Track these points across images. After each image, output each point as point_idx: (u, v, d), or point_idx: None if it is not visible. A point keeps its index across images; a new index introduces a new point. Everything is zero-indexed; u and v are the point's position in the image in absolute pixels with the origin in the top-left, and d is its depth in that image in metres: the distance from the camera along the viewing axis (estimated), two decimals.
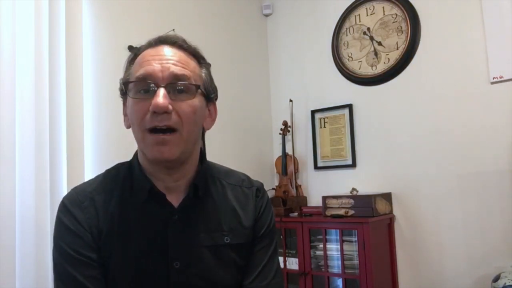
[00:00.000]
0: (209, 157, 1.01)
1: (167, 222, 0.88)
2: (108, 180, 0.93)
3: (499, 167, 2.05)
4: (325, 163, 2.65)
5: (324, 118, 2.66)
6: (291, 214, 2.47)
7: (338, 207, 2.23)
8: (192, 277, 0.87)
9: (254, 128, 2.78)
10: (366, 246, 2.07)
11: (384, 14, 2.45)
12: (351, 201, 2.20)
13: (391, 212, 2.35)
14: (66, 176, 1.64)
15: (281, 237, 2.36)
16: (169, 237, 0.87)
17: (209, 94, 0.92)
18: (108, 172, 0.96)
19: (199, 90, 0.87)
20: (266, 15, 2.98)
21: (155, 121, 0.82)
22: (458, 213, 2.16)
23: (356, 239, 2.12)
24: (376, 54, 2.46)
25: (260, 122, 2.85)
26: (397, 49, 2.38)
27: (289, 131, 2.70)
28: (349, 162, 2.54)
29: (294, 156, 2.69)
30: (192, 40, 0.93)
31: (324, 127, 2.66)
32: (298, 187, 2.65)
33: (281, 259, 2.33)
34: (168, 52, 0.86)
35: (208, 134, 1.02)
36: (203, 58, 0.93)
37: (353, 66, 2.54)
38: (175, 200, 0.90)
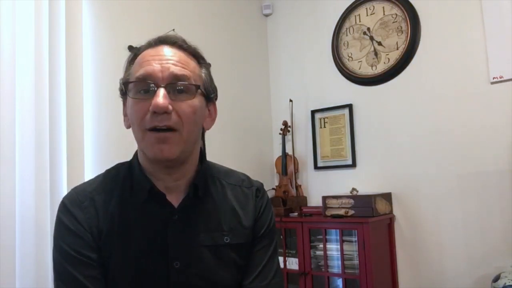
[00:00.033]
0: (209, 157, 1.01)
1: (167, 222, 0.88)
2: (108, 180, 0.93)
3: (499, 167, 2.05)
4: (325, 163, 2.65)
5: (324, 118, 2.66)
6: (291, 214, 2.47)
7: (338, 207, 2.23)
8: (192, 277, 0.87)
9: (254, 128, 2.78)
10: (366, 246, 2.07)
11: (384, 14, 2.45)
12: (351, 201, 2.20)
13: (391, 212, 2.35)
14: (66, 176, 1.64)
15: (281, 237, 2.36)
16: (169, 237, 0.87)
17: (209, 94, 0.92)
18: (108, 172, 0.96)
19: (199, 90, 0.87)
20: (266, 15, 2.98)
21: (155, 121, 0.82)
22: (458, 213, 2.16)
23: (356, 239, 2.12)
24: (376, 54, 2.46)
25: (260, 122, 2.85)
26: (397, 49, 2.38)
27: (289, 131, 2.70)
28: (349, 162, 2.54)
29: (294, 156, 2.69)
30: (192, 40, 0.93)
31: (324, 127, 2.66)
32: (298, 187, 2.65)
33: (281, 259, 2.33)
34: (168, 52, 0.86)
35: (208, 134, 1.02)
36: (203, 58, 0.93)
37: (353, 66, 2.54)
38: (175, 200, 0.90)
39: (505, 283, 1.76)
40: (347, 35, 2.59)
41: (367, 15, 2.51)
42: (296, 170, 2.69)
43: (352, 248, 2.16)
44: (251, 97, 2.79)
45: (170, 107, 0.82)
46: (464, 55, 2.18)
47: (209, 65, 0.96)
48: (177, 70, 0.84)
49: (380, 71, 2.43)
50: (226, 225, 0.93)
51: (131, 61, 0.91)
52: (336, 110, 2.60)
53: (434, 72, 2.27)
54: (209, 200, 0.94)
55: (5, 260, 1.42)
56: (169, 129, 0.83)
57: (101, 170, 0.97)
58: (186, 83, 0.85)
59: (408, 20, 2.33)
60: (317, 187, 2.66)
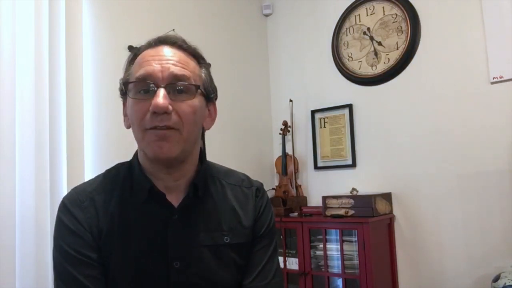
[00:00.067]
0: (209, 157, 1.01)
1: (167, 222, 0.88)
2: (108, 180, 0.93)
3: (499, 167, 2.05)
4: (325, 163, 2.65)
5: (324, 118, 2.66)
6: (291, 214, 2.47)
7: (338, 207, 2.23)
8: (192, 277, 0.87)
9: (254, 128, 2.78)
10: (366, 246, 2.07)
11: (384, 14, 2.45)
12: (351, 201, 2.20)
13: (391, 212, 2.35)
14: (66, 176, 1.64)
15: (281, 237, 2.36)
16: (169, 237, 0.87)
17: (209, 94, 0.92)
18: (108, 172, 0.96)
19: (199, 90, 0.87)
20: (266, 15, 2.98)
21: (155, 121, 0.82)
22: (458, 213, 2.16)
23: (356, 239, 2.12)
24: (376, 54, 2.46)
25: (260, 122, 2.85)
26: (397, 49, 2.38)
27: (289, 131, 2.70)
28: (349, 162, 2.54)
29: (294, 156, 2.69)
30: (192, 40, 0.93)
31: (324, 127, 2.66)
32: (298, 187, 2.65)
33: (281, 259, 2.33)
34: (167, 52, 0.86)
35: (208, 134, 1.03)
36: (203, 58, 0.93)
37: (353, 66, 2.55)
38: (175, 200, 0.90)
39: (505, 283, 1.76)
40: (347, 35, 2.59)
41: (367, 15, 2.51)
42: (296, 170, 2.69)
43: (352, 248, 2.16)
44: (251, 97, 2.79)
45: (170, 107, 0.82)
46: (464, 55, 2.18)
47: (209, 65, 0.96)
48: (177, 70, 0.84)
49: (380, 71, 2.43)
50: (226, 225, 0.93)
51: (131, 61, 0.91)
52: (336, 110, 2.60)
53: (434, 72, 2.27)
54: (209, 200, 0.94)
55: (5, 260, 1.42)
56: (169, 128, 0.83)
57: (101, 170, 0.97)
58: (186, 83, 0.85)
59: (408, 20, 2.33)
60: (317, 187, 2.66)
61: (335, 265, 2.22)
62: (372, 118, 2.47)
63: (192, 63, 0.89)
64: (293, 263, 2.35)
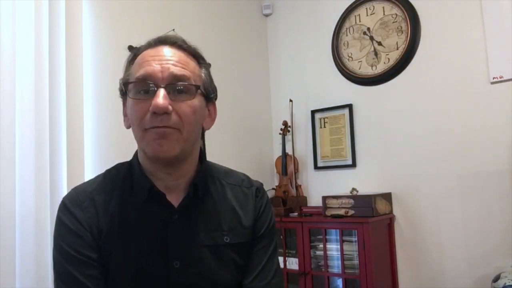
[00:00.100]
0: (209, 157, 1.01)
1: (167, 221, 0.88)
2: (108, 180, 0.93)
3: (499, 167, 2.05)
4: (325, 163, 2.65)
5: (324, 118, 2.66)
6: (291, 214, 2.47)
7: (338, 207, 2.23)
8: (192, 276, 0.87)
9: (254, 128, 2.78)
10: (366, 246, 2.07)
11: (384, 14, 2.45)
12: (351, 201, 2.20)
13: (391, 212, 2.35)
14: (66, 176, 1.64)
15: (281, 237, 2.36)
16: (169, 237, 0.87)
17: (209, 94, 0.92)
18: (108, 172, 0.96)
19: (199, 91, 0.87)
20: (266, 15, 2.98)
21: (155, 121, 0.82)
22: (458, 213, 2.16)
23: (356, 239, 2.12)
24: (376, 54, 2.46)
25: (260, 122, 2.85)
26: (397, 49, 2.38)
27: (289, 131, 2.70)
28: (349, 162, 2.54)
29: (294, 156, 2.69)
30: (192, 40, 0.93)
31: (324, 127, 2.66)
32: (298, 187, 2.65)
33: (281, 259, 2.33)
34: (167, 52, 0.86)
35: (208, 134, 1.03)
36: (203, 58, 0.93)
37: (353, 66, 2.55)
38: (175, 199, 0.90)
39: (505, 283, 1.76)
40: (347, 35, 2.59)
41: (367, 15, 2.51)
42: (296, 170, 2.69)
43: (352, 248, 2.16)
44: (251, 97, 2.79)
45: (170, 107, 0.82)
46: (464, 55, 2.18)
47: (209, 65, 0.96)
48: (177, 70, 0.84)
49: (380, 71, 2.43)
50: (226, 225, 0.93)
51: (130, 61, 0.91)
52: (336, 110, 2.60)
53: (434, 72, 2.27)
54: (209, 200, 0.94)
55: (5, 260, 1.42)
56: (170, 126, 0.83)
57: (101, 170, 0.97)
58: (186, 83, 0.85)
59: (408, 20, 2.33)
60: (317, 187, 2.66)
61: (335, 265, 2.22)
62: (372, 118, 2.47)
63: (192, 63, 0.89)
64: (293, 263, 2.35)
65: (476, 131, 2.12)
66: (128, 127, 0.91)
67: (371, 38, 2.48)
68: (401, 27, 2.37)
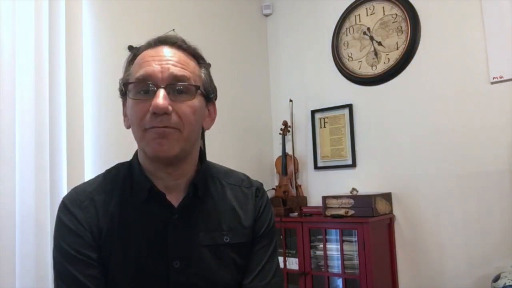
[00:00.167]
0: (209, 157, 1.01)
1: (167, 221, 0.88)
2: (108, 180, 0.93)
3: (499, 167, 2.05)
4: (325, 163, 2.65)
5: (324, 118, 2.66)
6: (291, 214, 2.47)
7: (338, 207, 2.23)
8: (192, 276, 0.87)
9: (254, 128, 2.78)
10: (366, 246, 2.07)
11: (384, 14, 2.45)
12: (351, 201, 2.20)
13: (391, 212, 2.35)
14: (66, 176, 1.64)
15: (281, 237, 2.36)
16: (169, 237, 0.87)
17: (209, 95, 0.92)
18: (108, 172, 0.96)
19: (198, 91, 0.87)
20: (266, 15, 2.98)
21: (155, 122, 0.82)
22: (458, 213, 2.16)
23: (356, 239, 2.12)
24: (376, 54, 2.46)
25: (260, 122, 2.85)
26: (397, 49, 2.38)
27: (289, 131, 2.70)
28: (349, 162, 2.54)
29: (294, 156, 2.69)
30: (192, 40, 0.93)
31: (324, 127, 2.66)
32: (298, 187, 2.65)
33: (281, 259, 2.33)
34: (167, 52, 0.86)
35: (208, 134, 1.03)
36: (203, 58, 0.93)
37: (353, 66, 2.55)
38: (174, 199, 0.90)
39: (505, 283, 1.76)
40: (347, 35, 2.59)
41: (367, 15, 2.51)
42: (296, 170, 2.69)
43: (352, 248, 2.16)
44: (251, 97, 2.79)
45: (170, 108, 0.82)
46: (464, 55, 2.18)
47: (209, 65, 0.96)
48: (176, 70, 0.84)
49: (380, 71, 2.44)
50: (226, 225, 0.93)
51: (130, 61, 0.91)
52: (336, 110, 2.60)
53: (434, 72, 2.27)
54: (209, 200, 0.94)
55: (5, 260, 1.42)
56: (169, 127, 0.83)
57: (101, 170, 0.98)
58: (186, 83, 0.85)
59: (408, 20, 2.33)
60: (317, 187, 2.66)
61: (335, 265, 2.22)
62: (372, 118, 2.47)
63: (192, 64, 0.89)
64: (293, 263, 2.35)
65: (476, 131, 2.12)
66: (128, 127, 0.91)
67: (371, 38, 2.48)
68: (401, 27, 2.37)
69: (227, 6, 2.66)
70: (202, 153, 0.98)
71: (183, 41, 0.91)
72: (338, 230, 2.22)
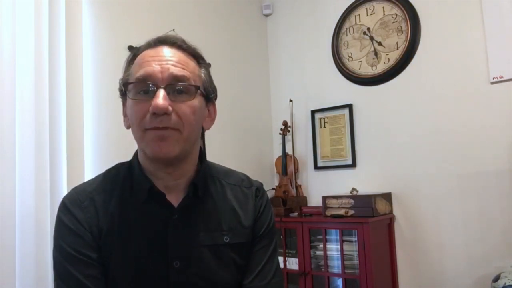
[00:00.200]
0: (209, 157, 1.01)
1: (166, 221, 0.88)
2: (108, 180, 0.93)
3: (499, 167, 2.05)
4: (325, 163, 2.65)
5: (324, 118, 2.66)
6: (291, 214, 2.47)
7: (338, 207, 2.23)
8: (192, 276, 0.87)
9: (254, 128, 2.78)
10: (366, 246, 2.07)
11: (384, 14, 2.45)
12: (351, 201, 2.20)
13: (391, 212, 2.35)
14: (66, 176, 1.64)
15: (281, 237, 2.36)
16: (169, 237, 0.87)
17: (209, 95, 0.92)
18: (108, 172, 0.96)
19: (198, 91, 0.87)
20: (266, 15, 2.98)
21: (155, 122, 0.82)
22: (458, 213, 2.16)
23: (356, 239, 2.12)
24: (376, 54, 2.46)
25: (260, 122, 2.85)
26: (397, 49, 2.38)
27: (289, 131, 2.70)
28: (349, 162, 2.54)
29: (294, 156, 2.69)
30: (192, 40, 0.93)
31: (324, 127, 2.66)
32: (298, 187, 2.65)
33: (281, 259, 2.33)
34: (167, 52, 0.86)
35: (208, 134, 1.03)
36: (203, 58, 0.93)
37: (353, 66, 2.55)
38: (174, 199, 0.90)
39: (505, 283, 1.76)
40: (347, 35, 2.59)
41: (367, 15, 2.51)
42: (296, 170, 2.69)
43: (352, 248, 2.16)
44: (251, 97, 2.79)
45: (170, 108, 0.82)
46: (464, 55, 2.18)
47: (209, 65, 0.96)
48: (176, 71, 0.84)
49: (380, 71, 2.44)
50: (226, 225, 0.93)
51: (130, 61, 0.90)
52: (336, 110, 2.60)
53: (434, 72, 2.27)
54: (209, 200, 0.94)
55: (5, 260, 1.42)
56: (169, 128, 0.83)
57: (101, 170, 0.98)
58: (186, 84, 0.85)
59: (408, 20, 2.33)
60: (317, 187, 2.66)
61: (335, 265, 2.22)
62: (372, 118, 2.47)
63: (191, 64, 0.89)
64: (293, 263, 2.35)
65: (476, 131, 2.12)
66: (128, 127, 0.91)
67: (371, 38, 2.48)
68: (401, 27, 2.37)
69: (227, 6, 2.66)
70: (202, 153, 0.98)
71: (183, 41, 0.90)
72: (338, 230, 2.22)
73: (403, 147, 2.35)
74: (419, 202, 2.29)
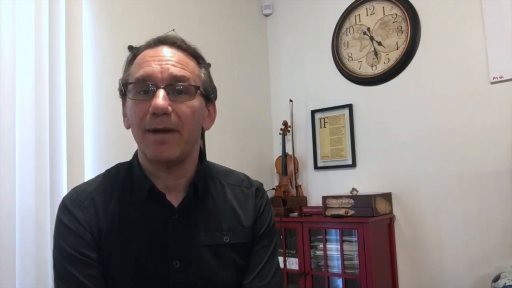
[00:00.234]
0: (209, 157, 1.01)
1: (166, 221, 0.88)
2: (108, 180, 0.93)
3: (499, 167, 2.05)
4: (325, 163, 2.65)
5: (324, 118, 2.66)
6: (291, 214, 2.47)
7: (338, 207, 2.23)
8: (192, 276, 0.87)
9: (254, 128, 2.78)
10: (366, 246, 2.07)
11: (384, 14, 2.45)
12: (351, 201, 2.20)
13: (391, 212, 2.35)
14: (66, 176, 1.64)
15: (281, 237, 2.36)
16: (169, 237, 0.87)
17: (209, 95, 0.92)
18: (108, 172, 0.96)
19: (198, 91, 0.87)
20: (266, 15, 2.98)
21: (155, 123, 0.82)
22: (458, 213, 2.16)
23: (356, 239, 2.12)
24: (376, 54, 2.46)
25: (260, 122, 2.85)
26: (397, 49, 2.38)
27: (289, 131, 2.70)
28: (349, 162, 2.54)
29: (294, 156, 2.69)
30: (192, 40, 0.93)
31: (324, 127, 2.66)
32: (298, 187, 2.65)
33: (281, 259, 2.33)
34: (167, 52, 0.86)
35: (208, 134, 1.03)
36: (203, 58, 0.93)
37: (353, 66, 2.55)
38: (174, 199, 0.90)
39: (505, 283, 1.76)
40: (347, 35, 2.59)
41: (367, 15, 2.51)
42: (296, 170, 2.69)
43: (352, 248, 2.16)
44: (251, 97, 2.79)
45: (170, 108, 0.82)
46: (464, 55, 2.18)
47: (209, 65, 0.96)
48: (176, 71, 0.84)
49: (380, 71, 2.43)
50: (226, 225, 0.93)
51: (130, 61, 0.90)
52: (336, 110, 2.60)
53: (434, 72, 2.27)
54: (209, 200, 0.94)
55: (5, 260, 1.42)
56: (169, 130, 0.83)
57: (101, 170, 0.98)
58: (186, 84, 0.85)
59: (408, 20, 2.33)
60: (317, 187, 2.66)
61: (335, 265, 2.22)
62: (372, 118, 2.47)
63: (191, 64, 0.89)
64: (293, 263, 2.35)
65: (476, 131, 2.12)
66: (128, 127, 0.91)
67: (371, 38, 2.48)
68: (401, 27, 2.37)
69: (227, 6, 2.66)
70: (202, 153, 0.98)
71: (183, 41, 0.90)
72: (338, 230, 2.22)
73: (403, 147, 2.35)
74: (419, 202, 2.29)
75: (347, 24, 2.59)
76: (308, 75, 2.76)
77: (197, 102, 0.87)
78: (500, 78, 2.05)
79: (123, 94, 0.89)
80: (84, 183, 0.95)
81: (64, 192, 1.58)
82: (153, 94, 0.82)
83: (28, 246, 1.49)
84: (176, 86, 0.84)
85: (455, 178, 2.18)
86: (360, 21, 2.54)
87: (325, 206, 2.29)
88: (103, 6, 1.92)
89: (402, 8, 2.36)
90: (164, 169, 0.89)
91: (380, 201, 2.23)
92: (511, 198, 2.00)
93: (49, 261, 1.50)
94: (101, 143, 1.84)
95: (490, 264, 2.02)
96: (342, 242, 2.18)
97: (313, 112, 2.70)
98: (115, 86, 0.93)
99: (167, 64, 0.84)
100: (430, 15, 2.30)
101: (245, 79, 2.74)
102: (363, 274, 2.06)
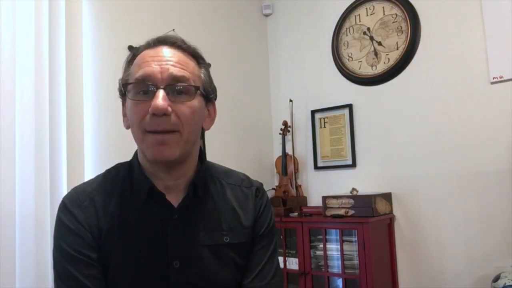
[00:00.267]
0: (209, 157, 1.01)
1: (166, 221, 0.88)
2: (108, 180, 0.93)
3: (499, 167, 2.05)
4: (325, 163, 2.65)
5: (324, 118, 2.66)
6: (291, 214, 2.47)
7: (338, 207, 2.23)
8: (192, 276, 0.87)
9: (254, 128, 2.78)
10: (366, 246, 2.07)
11: (384, 14, 2.45)
12: (351, 201, 2.20)
13: (391, 212, 2.35)
14: (66, 176, 1.64)
15: (281, 237, 2.36)
16: (169, 237, 0.87)
17: (208, 95, 0.92)
18: (108, 172, 0.96)
19: (198, 91, 0.87)
20: (266, 15, 2.98)
21: (154, 124, 0.82)
22: (458, 213, 2.16)
23: (356, 239, 2.12)
24: (376, 54, 2.46)
25: (260, 122, 2.85)
26: (397, 49, 2.38)
27: (289, 131, 2.70)
28: (349, 162, 2.54)
29: (294, 156, 2.69)
30: (192, 40, 0.93)
31: (324, 127, 2.66)
32: (298, 187, 2.65)
33: (281, 259, 2.33)
34: (167, 53, 0.86)
35: (208, 134, 1.03)
36: (202, 59, 0.93)
37: (353, 66, 2.55)
38: (174, 199, 0.90)
39: (505, 283, 1.76)
40: (347, 35, 2.59)
41: (367, 15, 2.51)
42: (296, 170, 2.69)
43: (352, 248, 2.16)
44: (251, 97, 2.79)
45: (170, 108, 0.82)
46: (464, 55, 2.18)
47: (209, 65, 0.96)
48: (176, 71, 0.84)
49: (380, 71, 2.43)
50: (226, 225, 0.93)
51: (130, 62, 0.90)
52: (336, 110, 2.60)
53: (434, 72, 2.27)
54: (209, 200, 0.94)
55: (5, 260, 1.42)
56: (169, 130, 0.83)
57: (101, 170, 0.98)
58: (186, 84, 0.85)
59: (408, 20, 2.33)
60: (317, 187, 2.66)
61: (335, 265, 2.22)
62: (372, 118, 2.47)
63: (191, 64, 0.89)
64: (293, 263, 2.35)
65: (476, 131, 2.12)
66: (127, 128, 0.90)
67: (371, 38, 2.48)
68: (401, 27, 2.37)
69: (227, 6, 2.66)
70: (202, 153, 0.98)
71: (183, 41, 0.90)
72: (338, 230, 2.22)
73: (403, 147, 2.35)
74: (419, 202, 2.29)
75: (347, 24, 2.59)
76: (308, 75, 2.76)
77: (197, 102, 0.87)
78: (500, 78, 2.06)
79: (123, 94, 0.89)
80: (84, 183, 0.95)
81: (64, 192, 1.58)
82: (152, 94, 0.82)
83: (28, 246, 1.49)
84: (176, 87, 0.84)
85: (455, 178, 2.18)
86: (360, 21, 2.54)
87: (325, 206, 2.29)
88: (103, 6, 1.92)
89: (402, 8, 2.36)
90: (164, 169, 0.89)
91: (380, 201, 2.23)
92: (511, 198, 2.00)
93: (49, 261, 1.50)
94: (101, 143, 1.84)
95: (490, 264, 2.02)
96: (342, 242, 2.18)
97: (313, 112, 2.70)
98: (115, 86, 0.93)
99: (167, 64, 0.84)
100: (430, 15, 2.30)
101: (245, 79, 2.74)
102: (363, 274, 2.06)
